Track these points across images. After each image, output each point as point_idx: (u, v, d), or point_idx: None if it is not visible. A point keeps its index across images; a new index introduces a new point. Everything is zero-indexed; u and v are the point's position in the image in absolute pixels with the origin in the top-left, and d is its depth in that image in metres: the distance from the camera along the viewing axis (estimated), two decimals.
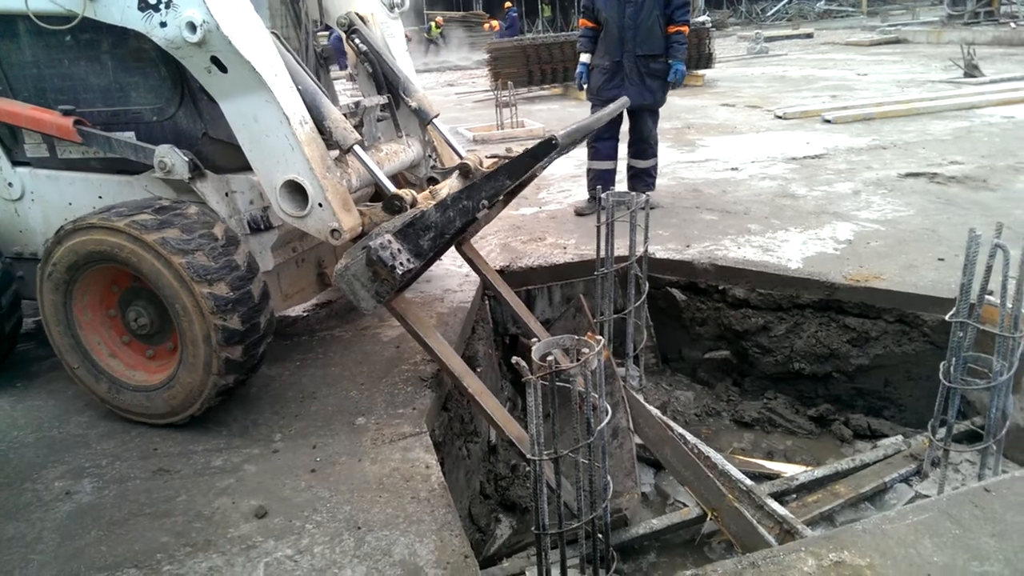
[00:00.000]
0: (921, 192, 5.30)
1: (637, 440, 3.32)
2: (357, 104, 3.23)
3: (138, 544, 2.22)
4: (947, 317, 2.85)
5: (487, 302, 4.46)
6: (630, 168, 5.52)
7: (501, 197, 2.69)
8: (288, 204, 2.68)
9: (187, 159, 2.77)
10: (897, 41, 18.99)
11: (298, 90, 2.65)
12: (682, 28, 5.03)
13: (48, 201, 3.17)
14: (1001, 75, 10.97)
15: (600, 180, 5.36)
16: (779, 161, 6.66)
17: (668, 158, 7.27)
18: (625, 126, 5.39)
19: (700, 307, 4.32)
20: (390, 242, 2.45)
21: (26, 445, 2.80)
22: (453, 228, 2.44)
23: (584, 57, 5.34)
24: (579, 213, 5.49)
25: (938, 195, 5.19)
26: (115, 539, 2.25)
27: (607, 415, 2.49)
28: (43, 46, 2.92)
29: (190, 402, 2.74)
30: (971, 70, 11.13)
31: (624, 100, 3.63)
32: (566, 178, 6.61)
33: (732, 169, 6.49)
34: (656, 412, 3.50)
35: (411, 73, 3.46)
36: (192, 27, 2.43)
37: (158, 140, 2.85)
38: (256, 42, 2.54)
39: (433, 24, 24.74)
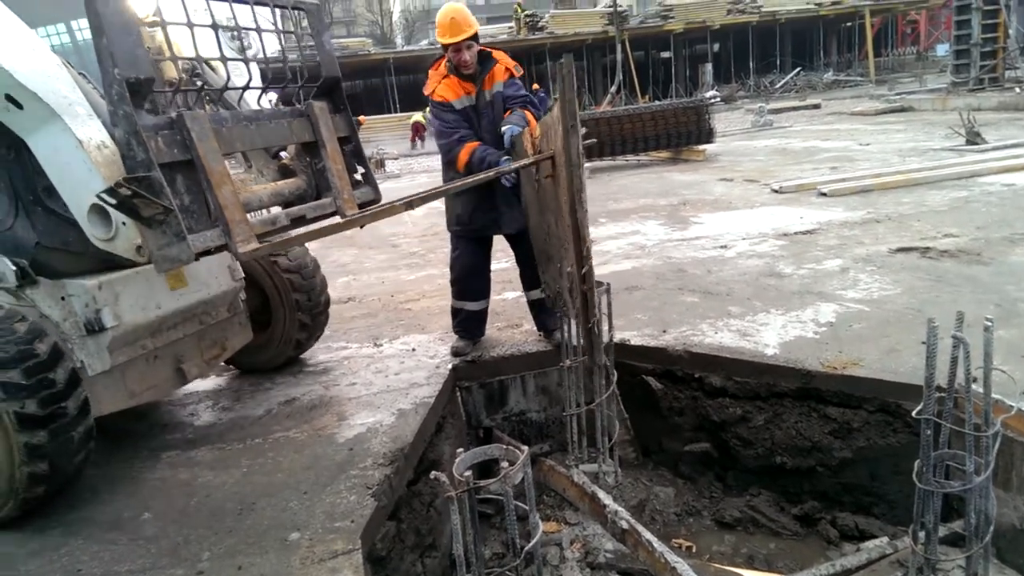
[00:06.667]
0: (911, 268, 5.14)
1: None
2: None
3: None
4: (914, 413, 2.67)
5: (458, 394, 4.34)
6: (531, 304, 4.53)
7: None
8: (97, 229, 2.79)
9: (14, 268, 2.93)
10: (903, 109, 19.10)
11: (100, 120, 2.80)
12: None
13: None
14: (1004, 141, 10.87)
15: (470, 323, 4.46)
16: (770, 238, 6.56)
17: (658, 236, 7.23)
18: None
19: (677, 396, 4.15)
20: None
21: None
22: (133, 123, 2.30)
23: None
24: (456, 354, 4.44)
25: (928, 271, 5.03)
26: None
27: (538, 530, 2.33)
28: None
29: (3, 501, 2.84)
30: (973, 137, 11.06)
31: None
32: None
33: (721, 247, 6.40)
34: (626, 515, 3.29)
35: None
36: None
37: None
38: (46, 74, 2.71)
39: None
